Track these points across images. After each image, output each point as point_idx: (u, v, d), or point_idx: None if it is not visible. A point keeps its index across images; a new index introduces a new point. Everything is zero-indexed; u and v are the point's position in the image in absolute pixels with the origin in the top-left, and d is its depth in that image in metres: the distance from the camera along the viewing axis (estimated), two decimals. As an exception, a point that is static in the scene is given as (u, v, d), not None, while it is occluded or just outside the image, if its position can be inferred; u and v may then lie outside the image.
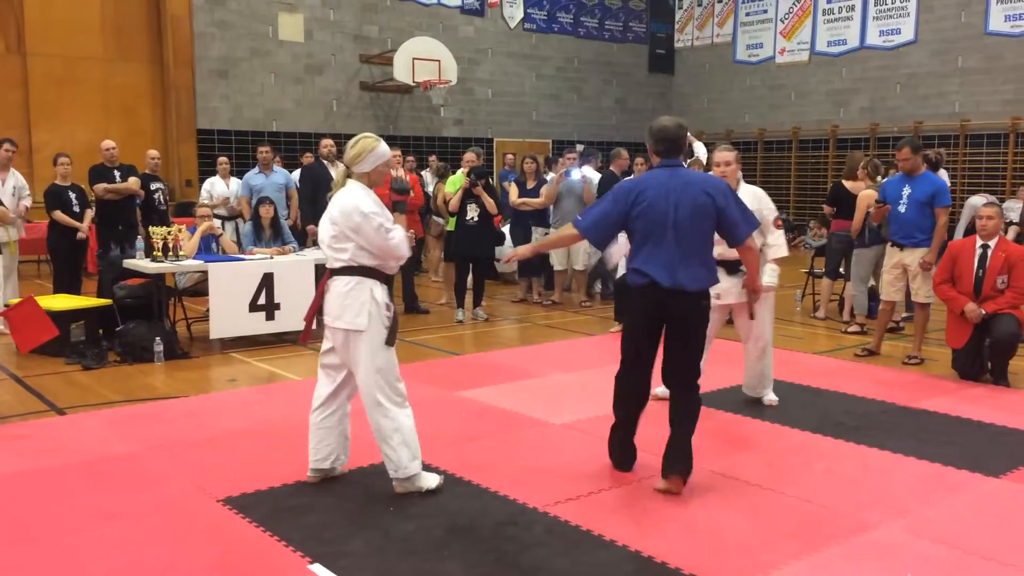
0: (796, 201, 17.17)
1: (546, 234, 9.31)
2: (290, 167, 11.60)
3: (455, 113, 16.96)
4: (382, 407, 3.97)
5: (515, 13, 17.61)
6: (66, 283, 8.60)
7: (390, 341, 4.00)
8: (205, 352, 7.36)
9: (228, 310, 7.24)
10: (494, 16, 17.37)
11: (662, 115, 4.39)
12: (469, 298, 9.05)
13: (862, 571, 3.36)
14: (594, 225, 4.23)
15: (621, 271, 8.40)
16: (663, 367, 4.23)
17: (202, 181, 11.12)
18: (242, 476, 4.28)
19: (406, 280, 9.15)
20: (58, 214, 8.52)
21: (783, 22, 17.72)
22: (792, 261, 7.87)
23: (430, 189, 11.55)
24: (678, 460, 4.12)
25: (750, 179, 5.72)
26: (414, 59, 14.96)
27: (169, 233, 7.41)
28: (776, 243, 5.44)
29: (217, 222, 8.88)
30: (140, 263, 7.36)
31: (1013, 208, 12.60)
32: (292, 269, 7.58)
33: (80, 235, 8.61)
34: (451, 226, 9.21)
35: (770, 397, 5.67)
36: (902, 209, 6.87)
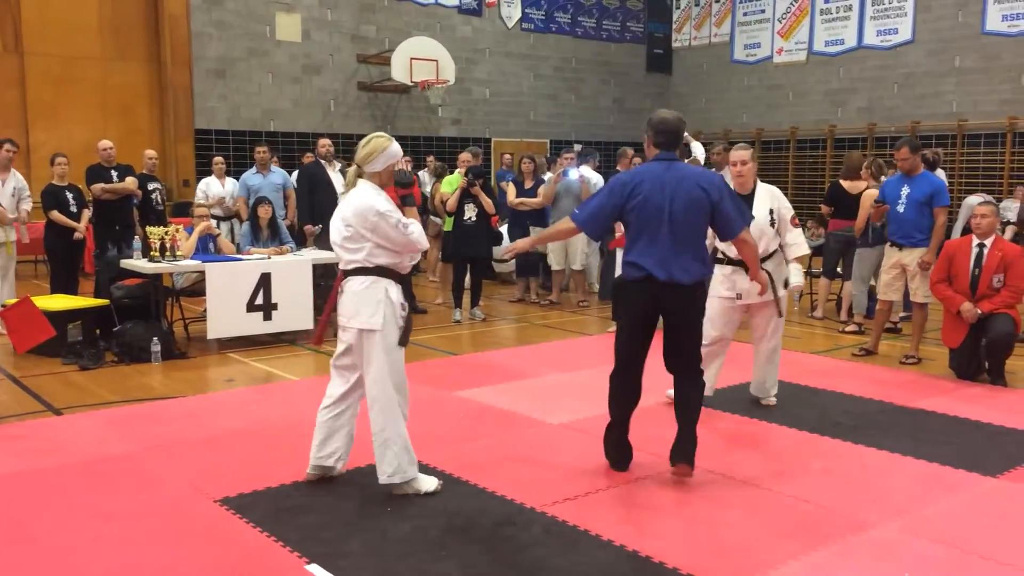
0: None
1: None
2: (288, 167, 11.59)
3: (453, 113, 16.96)
4: (390, 409, 3.96)
5: (513, 13, 17.61)
6: (63, 283, 8.59)
7: (403, 341, 4.00)
8: (202, 352, 7.35)
9: (225, 310, 7.24)
10: (492, 16, 17.36)
11: None
12: (467, 298, 9.05)
13: (860, 570, 3.36)
14: (591, 218, 4.28)
15: (619, 271, 8.42)
16: (666, 357, 4.27)
17: (200, 181, 11.10)
18: (240, 476, 4.28)
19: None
20: (55, 214, 8.50)
21: (781, 22, 17.73)
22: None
23: (428, 189, 11.54)
24: (684, 446, 4.20)
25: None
26: (412, 59, 14.95)
27: (166, 233, 7.41)
28: (796, 241, 5.46)
29: (213, 222, 8.86)
30: (137, 263, 7.35)
31: (1010, 208, 12.62)
32: (290, 269, 7.57)
33: (77, 235, 8.60)
34: (448, 226, 9.21)
35: (766, 398, 5.67)
36: (901, 209, 6.88)
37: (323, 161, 9.28)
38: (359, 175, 4.04)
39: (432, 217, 10.98)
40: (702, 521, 3.82)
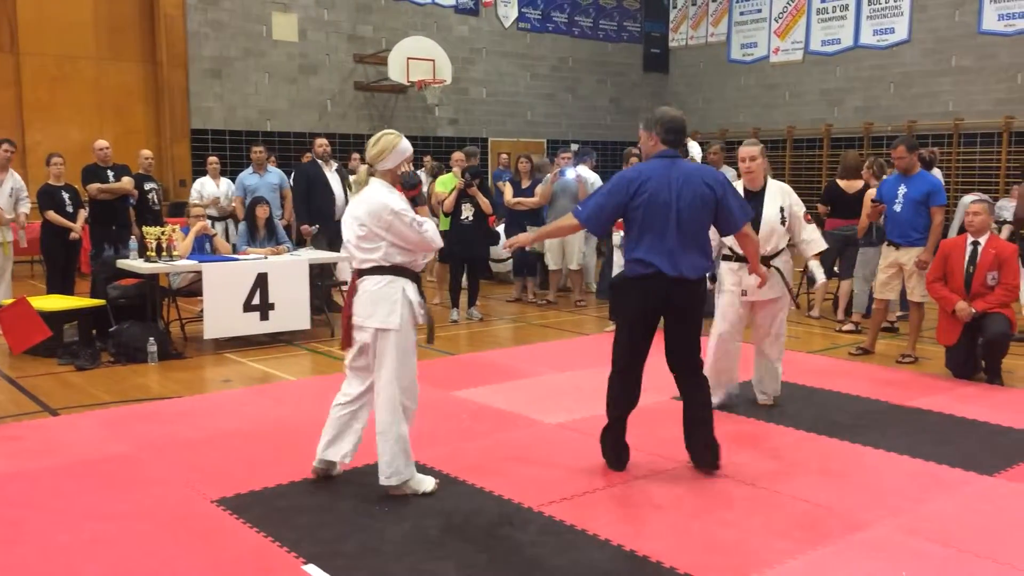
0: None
1: (541, 233, 9.30)
2: (284, 167, 11.57)
3: (450, 113, 16.95)
4: (396, 410, 3.95)
5: (509, 12, 17.60)
6: (59, 283, 8.58)
7: (430, 339, 4.01)
8: (199, 352, 7.34)
9: (222, 310, 7.22)
10: (488, 15, 17.35)
11: None
12: (464, 298, 9.04)
13: (857, 569, 3.36)
14: (593, 214, 4.28)
15: (617, 269, 8.41)
16: (670, 355, 4.32)
17: (195, 181, 11.10)
18: (237, 477, 4.27)
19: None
20: (51, 214, 8.49)
21: (777, 21, 17.74)
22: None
23: (425, 189, 11.52)
24: (710, 449, 4.34)
25: (745, 178, 5.69)
26: (408, 59, 14.94)
27: (163, 233, 7.40)
28: (812, 238, 5.47)
29: (209, 222, 8.85)
30: (134, 263, 7.34)
31: (1007, 207, 12.61)
32: (286, 269, 7.56)
33: (73, 235, 8.59)
34: (445, 226, 9.18)
35: (764, 397, 5.68)
36: (898, 208, 6.89)
37: (320, 161, 9.26)
38: (371, 174, 4.02)
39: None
40: (699, 520, 3.82)
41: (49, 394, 5.97)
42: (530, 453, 4.69)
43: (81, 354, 6.85)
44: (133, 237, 8.78)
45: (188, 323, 7.93)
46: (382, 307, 3.90)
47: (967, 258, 6.33)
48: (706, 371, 4.50)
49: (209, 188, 10.77)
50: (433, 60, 15.17)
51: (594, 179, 10.27)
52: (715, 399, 5.07)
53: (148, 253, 7.35)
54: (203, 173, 11.18)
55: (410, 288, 3.97)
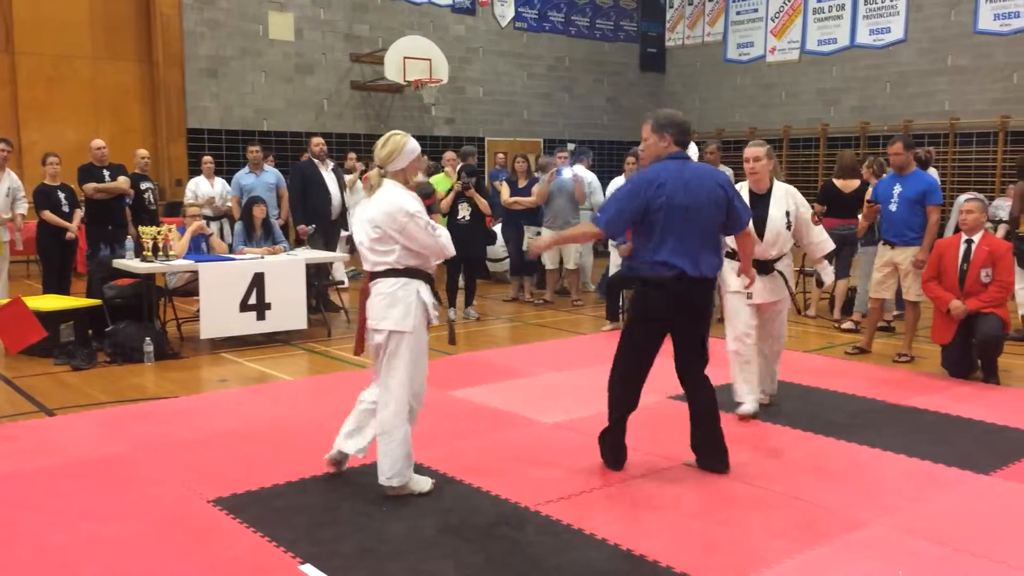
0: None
1: (538, 233, 9.32)
2: (281, 167, 11.56)
3: (446, 112, 16.94)
4: (402, 411, 3.95)
5: (506, 12, 17.60)
6: (55, 283, 8.56)
7: (452, 340, 4.01)
8: (195, 352, 7.33)
9: (218, 310, 7.22)
10: (485, 15, 17.35)
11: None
12: (460, 297, 9.04)
13: (854, 568, 3.36)
14: (614, 221, 4.29)
15: (614, 269, 8.42)
16: (681, 358, 4.33)
17: (190, 181, 11.08)
18: (233, 476, 4.27)
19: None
20: (47, 214, 8.47)
21: (774, 21, 17.75)
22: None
23: (423, 189, 11.50)
24: (720, 452, 4.38)
25: (742, 177, 5.69)
26: (405, 58, 14.93)
27: (159, 233, 7.39)
28: (821, 239, 5.47)
29: (204, 222, 8.84)
30: (130, 263, 7.33)
31: (1002, 206, 12.63)
32: (283, 269, 7.55)
33: (69, 235, 8.57)
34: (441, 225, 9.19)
35: (761, 396, 5.66)
36: (893, 208, 6.90)
37: (316, 160, 9.25)
38: (382, 175, 4.00)
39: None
40: (696, 520, 3.82)
41: (45, 394, 5.96)
42: (527, 453, 4.69)
43: (77, 354, 6.84)
44: (129, 237, 8.79)
45: (184, 323, 7.91)
46: (397, 309, 3.89)
47: (961, 256, 6.35)
48: (734, 382, 4.61)
49: (204, 188, 10.75)
50: (429, 59, 15.16)
51: (590, 178, 10.28)
52: (749, 406, 5.18)
53: (144, 253, 7.34)
54: (199, 173, 11.17)
55: (424, 290, 3.97)
